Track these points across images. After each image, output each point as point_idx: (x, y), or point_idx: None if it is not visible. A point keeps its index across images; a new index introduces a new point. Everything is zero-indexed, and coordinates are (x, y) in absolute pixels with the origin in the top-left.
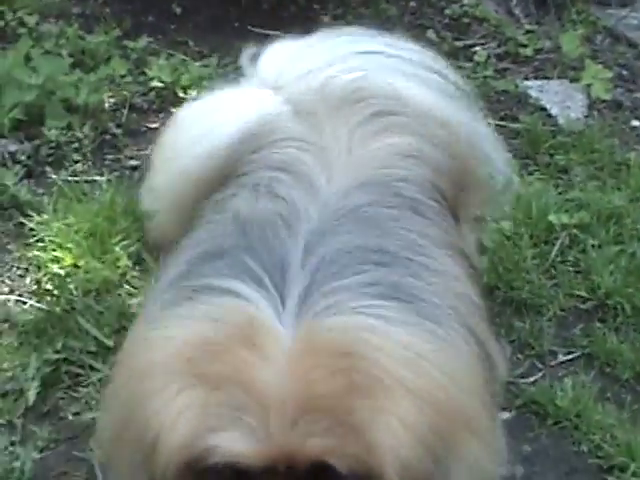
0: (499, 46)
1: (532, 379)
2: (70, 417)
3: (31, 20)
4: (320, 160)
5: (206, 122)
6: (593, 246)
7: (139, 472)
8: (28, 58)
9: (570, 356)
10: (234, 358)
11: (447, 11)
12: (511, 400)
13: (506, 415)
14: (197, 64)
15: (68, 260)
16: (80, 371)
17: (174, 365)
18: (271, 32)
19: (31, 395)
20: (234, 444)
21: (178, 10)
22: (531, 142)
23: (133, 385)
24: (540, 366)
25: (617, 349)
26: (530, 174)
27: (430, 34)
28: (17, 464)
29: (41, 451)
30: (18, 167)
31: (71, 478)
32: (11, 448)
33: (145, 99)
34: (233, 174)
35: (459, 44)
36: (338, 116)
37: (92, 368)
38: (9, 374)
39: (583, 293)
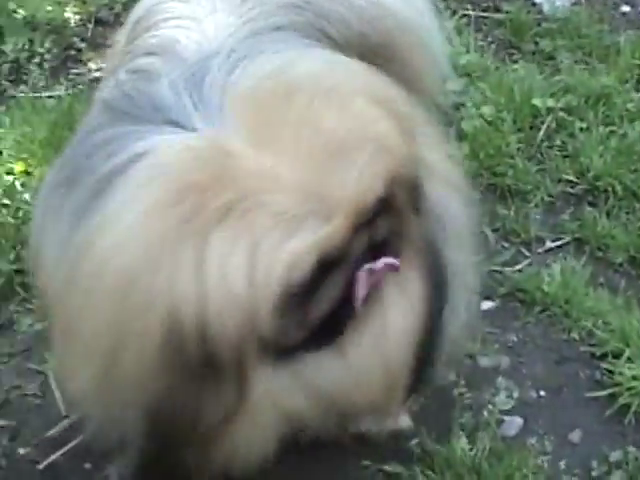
0: None
1: (518, 267)
2: (24, 329)
3: None
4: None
5: None
6: (581, 129)
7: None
8: None
9: (559, 242)
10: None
11: None
12: (495, 289)
13: (489, 304)
14: None
15: (21, 168)
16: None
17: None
18: None
19: None
20: (318, 231)
21: None
22: (515, 31)
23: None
24: (527, 254)
25: (609, 232)
26: (514, 62)
27: None
28: None
29: None
30: None
31: (24, 391)
32: None
33: (111, 13)
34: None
35: None
36: None
37: None
38: None
39: (571, 177)
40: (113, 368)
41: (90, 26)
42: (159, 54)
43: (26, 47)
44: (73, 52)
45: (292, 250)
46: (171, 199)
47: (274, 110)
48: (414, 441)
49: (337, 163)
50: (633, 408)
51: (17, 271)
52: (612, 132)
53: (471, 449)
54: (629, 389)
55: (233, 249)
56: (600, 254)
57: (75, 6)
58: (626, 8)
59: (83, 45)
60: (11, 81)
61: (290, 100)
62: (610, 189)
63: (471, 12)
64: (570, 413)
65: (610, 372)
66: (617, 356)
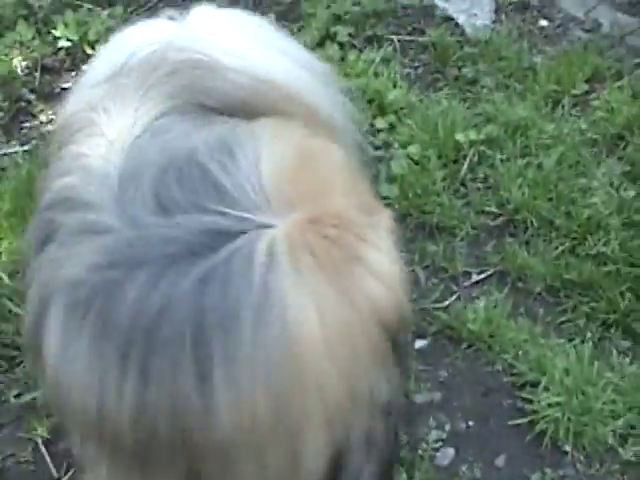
0: None
1: (446, 303)
2: (12, 400)
3: None
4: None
5: None
6: (502, 160)
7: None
8: None
9: (483, 275)
10: None
11: None
12: (427, 327)
13: (422, 342)
14: (104, 13)
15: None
16: (15, 353)
17: None
18: None
19: None
20: None
21: None
22: (439, 56)
23: None
24: (455, 288)
25: (528, 263)
26: (439, 90)
27: None
28: None
29: None
30: None
31: (19, 459)
32: None
33: (56, 59)
34: None
35: None
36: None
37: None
38: None
39: (493, 209)
40: None
41: (37, 74)
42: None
43: None
44: (23, 104)
45: None
46: None
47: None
48: None
49: None
50: (549, 433)
51: None
52: (529, 163)
53: None
54: (544, 417)
55: None
56: (520, 284)
57: (20, 54)
58: (544, 22)
59: (32, 96)
60: None
61: None
62: (528, 220)
63: (396, 37)
64: (496, 440)
65: (529, 401)
66: (534, 385)
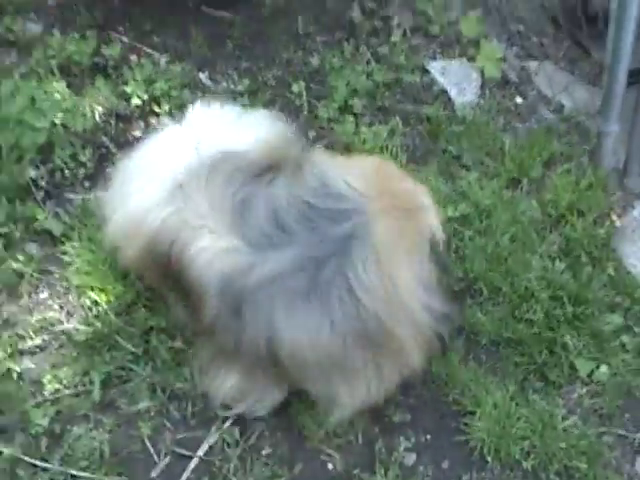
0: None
1: None
2: (123, 407)
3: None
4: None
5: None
6: (469, 237)
7: None
8: (33, 99)
9: None
10: None
11: None
12: None
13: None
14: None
15: (97, 285)
16: (122, 373)
17: None
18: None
19: (96, 394)
20: None
21: None
22: (433, 130)
23: None
24: None
25: (480, 321)
26: (430, 163)
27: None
28: (96, 444)
29: (109, 432)
30: (41, 192)
31: (133, 455)
32: (90, 434)
33: (128, 109)
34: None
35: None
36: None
37: (131, 370)
38: (77, 379)
39: (461, 275)
40: None
41: (112, 123)
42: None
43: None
44: (104, 150)
45: None
46: None
47: None
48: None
49: None
50: (478, 449)
51: (113, 365)
52: (489, 240)
53: (386, 474)
54: (476, 437)
55: None
56: (472, 337)
57: (98, 104)
58: (519, 99)
59: (111, 145)
60: (63, 185)
61: None
62: (484, 287)
63: (400, 106)
64: (444, 450)
65: (468, 425)
66: (472, 414)
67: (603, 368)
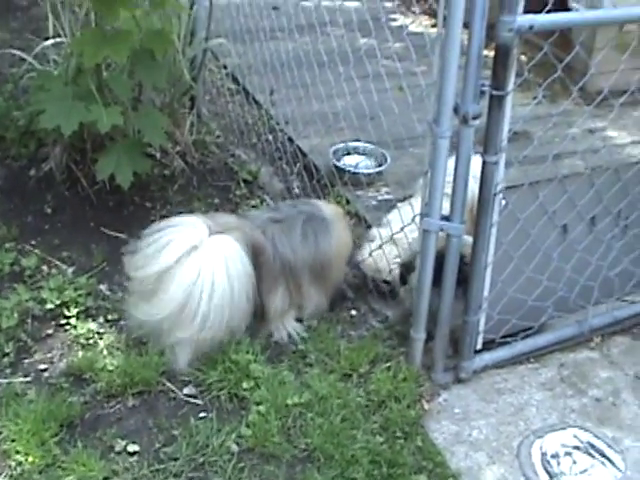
0: None
1: None
2: None
3: None
4: None
5: None
6: (311, 418)
7: None
8: None
9: None
10: None
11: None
12: None
13: None
14: (74, 282)
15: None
16: None
17: None
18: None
19: None
20: None
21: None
22: None
23: None
24: None
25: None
26: (283, 362)
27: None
28: None
29: None
30: None
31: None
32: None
33: (42, 310)
34: None
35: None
36: None
37: None
38: None
39: (303, 447)
40: None
41: (29, 321)
42: None
43: None
44: (22, 344)
45: None
46: None
47: None
48: None
49: None
50: None
51: None
52: (325, 420)
53: None
54: None
55: None
56: None
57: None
58: (354, 312)
59: (28, 339)
60: None
61: None
62: (320, 455)
63: None
64: None
65: None
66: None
67: None
